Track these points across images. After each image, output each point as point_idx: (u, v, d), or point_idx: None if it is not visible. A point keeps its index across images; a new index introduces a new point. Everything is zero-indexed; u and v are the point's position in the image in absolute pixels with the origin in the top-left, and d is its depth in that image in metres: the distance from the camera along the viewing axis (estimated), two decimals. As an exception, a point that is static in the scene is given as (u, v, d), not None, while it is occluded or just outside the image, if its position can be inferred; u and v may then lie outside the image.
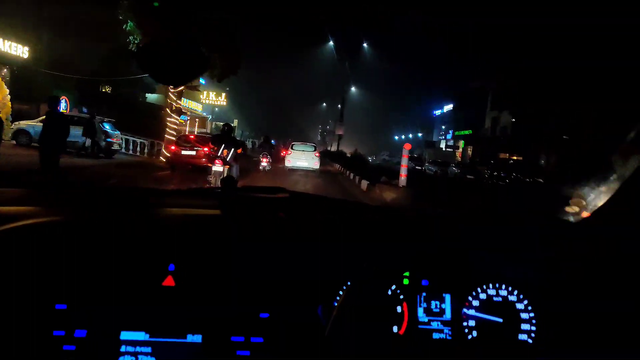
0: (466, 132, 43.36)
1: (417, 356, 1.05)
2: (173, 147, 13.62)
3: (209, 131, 29.30)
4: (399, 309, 1.06)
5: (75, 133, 13.95)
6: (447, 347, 1.06)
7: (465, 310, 1.08)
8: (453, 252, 1.12)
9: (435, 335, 1.07)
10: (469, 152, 42.70)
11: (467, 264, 1.11)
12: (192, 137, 14.47)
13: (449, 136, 52.10)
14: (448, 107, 53.99)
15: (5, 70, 15.97)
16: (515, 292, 1.09)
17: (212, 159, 8.49)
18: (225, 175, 8.12)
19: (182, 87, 13.83)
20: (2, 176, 1.35)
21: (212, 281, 0.99)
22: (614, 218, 1.16)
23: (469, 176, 24.77)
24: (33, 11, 16.53)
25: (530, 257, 1.14)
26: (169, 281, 0.98)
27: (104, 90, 22.34)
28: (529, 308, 1.09)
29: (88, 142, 13.84)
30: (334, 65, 52.83)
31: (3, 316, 0.90)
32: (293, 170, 17.77)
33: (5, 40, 15.45)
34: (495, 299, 1.09)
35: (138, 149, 18.19)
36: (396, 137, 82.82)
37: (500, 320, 1.08)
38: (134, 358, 0.94)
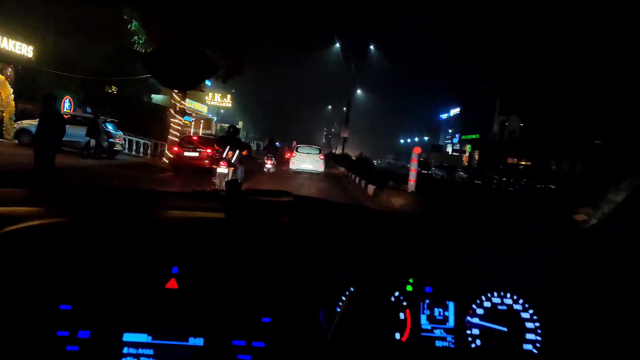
0: (473, 136, 43.06)
1: None
2: (176, 149, 13.50)
3: (214, 133, 29.20)
4: (401, 315, 1.05)
5: (79, 133, 13.92)
6: (450, 356, 1.05)
7: (469, 318, 1.07)
8: (453, 252, 1.12)
9: (438, 343, 1.05)
10: (476, 156, 42.30)
11: (467, 265, 1.10)
12: (195, 138, 14.31)
13: (455, 140, 51.74)
14: (455, 111, 53.71)
15: (9, 69, 15.86)
16: (521, 301, 1.08)
17: (216, 160, 8.39)
18: (230, 177, 8.06)
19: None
20: (2, 176, 1.33)
21: (215, 284, 0.99)
22: (615, 218, 1.17)
23: (476, 181, 24.36)
24: (38, 10, 16.43)
25: (530, 257, 1.14)
26: (172, 284, 0.98)
27: (109, 90, 22.27)
28: (535, 317, 1.07)
29: (93, 142, 13.73)
30: (340, 68, 52.75)
31: (7, 316, 0.91)
32: (297, 173, 17.67)
33: (10, 40, 15.34)
34: (499, 307, 1.08)
35: (141, 149, 18.03)
36: (402, 141, 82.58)
37: (505, 329, 1.06)
38: None
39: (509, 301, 1.08)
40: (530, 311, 1.07)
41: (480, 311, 1.07)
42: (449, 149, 52.29)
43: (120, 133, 15.60)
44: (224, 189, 1.41)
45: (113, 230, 1.05)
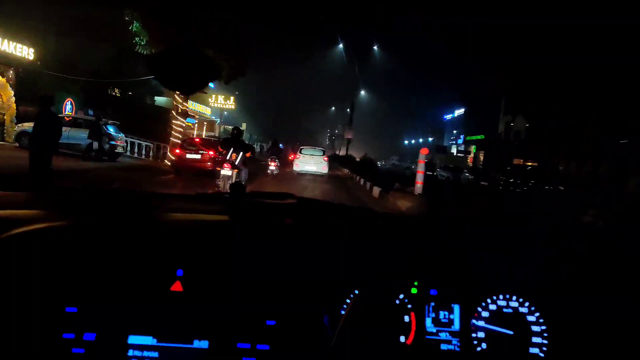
0: (478, 137, 42.73)
1: None
2: (178, 151, 13.37)
3: (217, 135, 29.11)
4: (406, 318, 1.04)
5: (80, 135, 13.81)
6: (456, 359, 1.04)
7: (474, 321, 1.06)
8: (452, 252, 1.12)
9: (444, 347, 1.04)
10: (481, 157, 41.95)
11: (467, 265, 1.10)
12: (198, 140, 14.18)
13: (460, 141, 51.40)
14: (459, 111, 53.43)
15: (10, 71, 15.76)
16: (527, 304, 1.06)
17: (218, 162, 8.40)
18: (233, 179, 8.05)
19: (188, 90, 13.62)
20: (2, 179, 1.32)
21: (220, 287, 1.00)
22: (615, 218, 1.04)
23: (482, 182, 24.03)
24: (38, 11, 16.34)
25: (530, 257, 1.13)
26: (177, 286, 0.98)
27: (112, 93, 22.22)
28: (541, 320, 1.06)
29: (95, 144, 13.64)
30: (343, 69, 52.64)
31: (13, 318, 0.91)
32: (301, 175, 17.59)
33: (10, 42, 15.23)
34: (505, 310, 1.07)
35: (143, 152, 17.91)
36: (406, 142, 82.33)
37: (511, 332, 1.05)
38: None
39: (514, 304, 1.07)
40: (537, 314, 1.06)
41: (485, 314, 1.06)
42: (454, 150, 51.95)
43: (121, 135, 15.48)
44: (228, 191, 1.43)
45: (118, 233, 1.05)
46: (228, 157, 8.22)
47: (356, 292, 1.03)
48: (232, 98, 34.10)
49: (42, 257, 0.96)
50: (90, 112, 17.26)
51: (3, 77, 14.82)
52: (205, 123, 31.89)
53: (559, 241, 1.21)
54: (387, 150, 73.95)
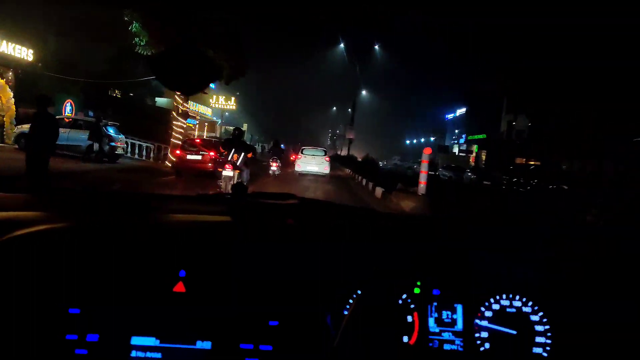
0: (480, 136, 42.56)
1: None
2: (178, 152, 13.28)
3: (218, 135, 29.04)
4: (409, 318, 1.04)
5: (80, 137, 13.73)
6: (459, 359, 1.03)
7: (477, 321, 1.05)
8: (452, 252, 1.12)
9: (447, 347, 1.04)
10: (483, 156, 41.76)
11: (468, 264, 1.09)
12: (198, 141, 14.10)
13: (461, 140, 51.21)
14: (461, 111, 53.23)
15: (10, 73, 15.69)
16: (530, 304, 1.06)
17: (221, 163, 8.37)
18: (235, 179, 8.05)
19: (188, 90, 13.55)
20: (1, 181, 1.32)
21: (223, 287, 0.99)
22: (615, 218, 0.97)
23: (485, 182, 23.86)
24: (38, 12, 16.27)
25: (530, 257, 1.13)
26: (180, 287, 0.98)
27: (112, 94, 22.14)
28: (544, 320, 1.05)
29: (95, 146, 13.58)
30: (344, 69, 52.53)
31: (17, 320, 0.92)
32: (303, 175, 17.50)
33: (10, 43, 15.15)
34: (508, 309, 1.06)
35: (144, 153, 17.82)
36: (407, 142, 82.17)
37: (514, 332, 1.04)
38: None
39: (517, 303, 1.06)
40: (540, 314, 1.06)
41: (488, 314, 1.06)
42: (456, 150, 51.76)
43: (122, 136, 15.40)
44: (230, 192, 1.43)
45: (119, 235, 1.05)
46: (229, 158, 8.21)
47: (359, 292, 1.03)
48: (233, 99, 34.03)
49: (43, 259, 0.96)
50: (91, 113, 17.15)
51: (2, 78, 14.74)
52: (206, 124, 31.83)
53: (560, 241, 1.21)
54: (389, 150, 73.80)
